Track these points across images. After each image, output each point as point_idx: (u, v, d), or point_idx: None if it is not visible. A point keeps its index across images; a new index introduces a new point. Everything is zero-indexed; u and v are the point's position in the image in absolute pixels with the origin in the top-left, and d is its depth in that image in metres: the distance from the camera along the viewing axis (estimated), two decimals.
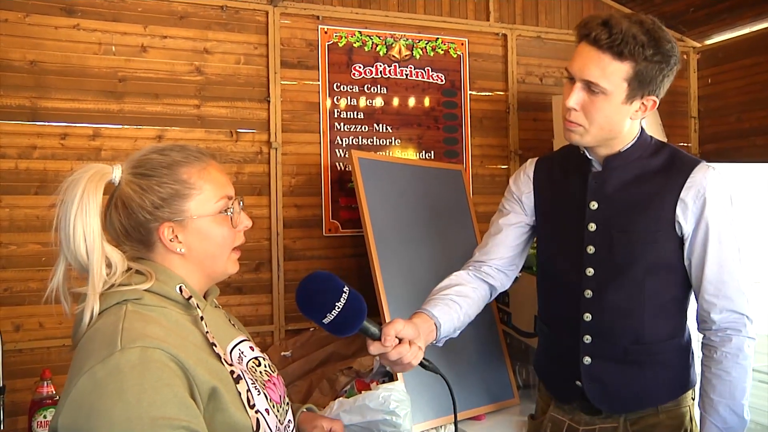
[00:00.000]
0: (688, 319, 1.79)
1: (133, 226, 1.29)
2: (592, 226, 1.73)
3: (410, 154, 3.39)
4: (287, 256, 3.13)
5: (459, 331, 1.74)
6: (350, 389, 2.66)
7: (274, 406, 1.30)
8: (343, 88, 3.26)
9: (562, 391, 1.85)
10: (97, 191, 1.24)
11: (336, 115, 3.25)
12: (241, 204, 1.38)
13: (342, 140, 3.26)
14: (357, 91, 3.29)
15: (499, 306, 3.08)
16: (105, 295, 1.23)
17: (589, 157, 1.75)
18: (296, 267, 3.14)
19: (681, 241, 1.68)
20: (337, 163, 3.24)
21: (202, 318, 1.27)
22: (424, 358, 1.48)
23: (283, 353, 3.01)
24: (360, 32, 3.30)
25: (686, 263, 1.69)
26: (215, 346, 1.25)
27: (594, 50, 1.59)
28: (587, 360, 1.74)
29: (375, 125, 3.32)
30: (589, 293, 1.73)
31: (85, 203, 1.23)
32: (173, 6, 2.96)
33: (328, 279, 1.38)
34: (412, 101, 3.41)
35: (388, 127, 3.35)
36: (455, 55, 3.50)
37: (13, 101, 2.73)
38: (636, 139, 1.71)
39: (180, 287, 1.28)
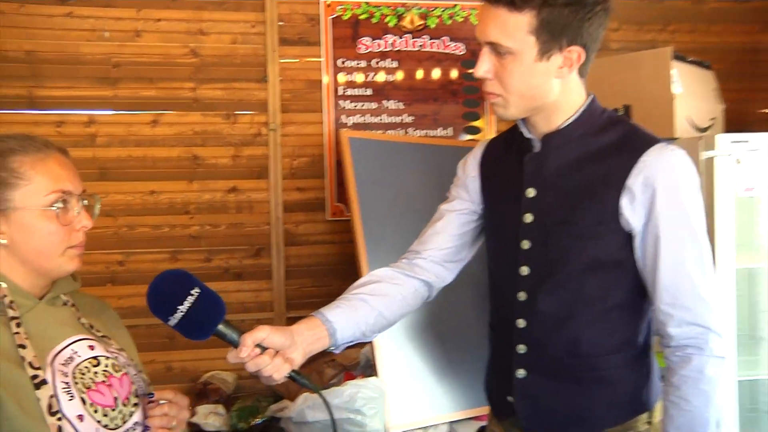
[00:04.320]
0: (646, 329, 1.52)
1: None
2: (528, 217, 1.48)
3: (425, 131, 3.18)
4: (289, 241, 3.04)
5: (375, 334, 1.56)
6: (337, 382, 2.55)
7: (98, 411, 1.23)
8: (349, 63, 3.10)
9: (496, 407, 1.63)
10: None
11: (341, 93, 3.09)
12: (84, 202, 1.31)
13: (348, 119, 3.10)
14: (364, 66, 3.12)
15: None
16: None
17: (528, 135, 1.50)
18: (299, 252, 3.05)
19: (629, 236, 1.41)
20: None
21: (13, 318, 1.22)
22: (293, 371, 1.34)
23: None
24: (367, 3, 3.11)
25: (639, 265, 1.42)
26: (23, 347, 1.19)
27: (489, 7, 1.36)
28: (521, 373, 1.51)
29: (384, 102, 3.14)
30: (522, 296, 1.49)
31: None
32: None
33: (176, 278, 1.28)
34: (426, 74, 3.19)
35: (399, 103, 3.16)
36: (476, 23, 3.23)
37: (11, 91, 2.80)
38: (580, 112, 1.44)
39: None
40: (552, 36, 1.35)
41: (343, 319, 1.47)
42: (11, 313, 1.22)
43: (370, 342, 2.33)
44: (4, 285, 1.24)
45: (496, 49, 1.38)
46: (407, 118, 3.17)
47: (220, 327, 1.27)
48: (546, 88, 1.40)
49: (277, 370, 1.30)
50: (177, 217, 2.94)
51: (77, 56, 2.84)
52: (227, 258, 2.99)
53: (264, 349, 1.30)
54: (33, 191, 1.24)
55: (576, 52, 1.38)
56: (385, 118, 3.15)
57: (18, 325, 1.21)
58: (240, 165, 2.99)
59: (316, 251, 3.05)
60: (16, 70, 2.80)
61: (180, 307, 1.24)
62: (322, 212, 3.07)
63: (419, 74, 3.18)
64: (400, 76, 3.16)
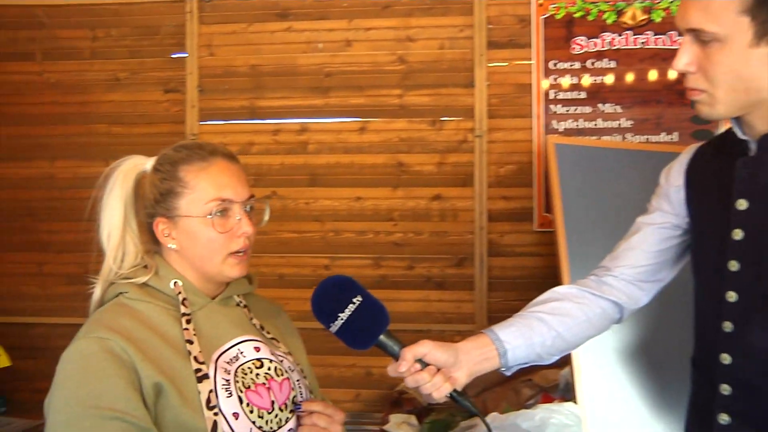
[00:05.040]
0: None
1: (145, 219, 1.34)
2: (738, 234, 1.23)
3: (645, 137, 2.88)
4: (493, 252, 2.91)
5: (553, 357, 1.39)
6: (534, 403, 2.36)
7: (253, 411, 1.23)
8: (561, 65, 2.91)
9: None
10: (125, 182, 1.33)
11: (552, 97, 2.91)
12: (247, 208, 1.32)
13: (559, 124, 2.91)
14: (578, 67, 2.91)
15: None
16: (110, 286, 1.31)
17: (742, 137, 1.25)
18: (503, 264, 2.90)
19: None
20: None
21: (184, 315, 1.27)
22: (455, 391, 1.23)
23: None
24: (582, 0, 2.90)
25: None
26: (191, 343, 1.23)
27: None
28: (724, 419, 1.25)
29: (599, 105, 2.90)
30: (728, 326, 1.24)
31: (114, 194, 1.32)
32: None
33: (341, 285, 1.26)
34: (648, 74, 2.89)
35: (616, 106, 2.90)
36: None
37: (236, 103, 3.01)
38: None
39: (175, 282, 1.30)
40: None
41: (515, 339, 1.33)
42: (183, 309, 1.27)
43: (570, 364, 2.12)
44: (180, 283, 1.30)
45: (699, 37, 1.16)
46: (625, 123, 2.90)
47: (382, 338, 1.23)
48: (763, 80, 1.15)
49: (436, 389, 1.21)
50: (381, 224, 2.96)
51: (293, 68, 2.99)
52: (429, 267, 2.94)
53: (425, 365, 1.22)
54: (195, 199, 1.27)
55: None
56: (600, 123, 2.90)
57: (188, 321, 1.26)
58: (445, 172, 2.93)
59: (521, 263, 2.89)
60: (242, 84, 3.01)
61: (341, 314, 1.21)
62: (529, 222, 2.90)
63: (640, 74, 2.89)
64: (618, 76, 2.90)
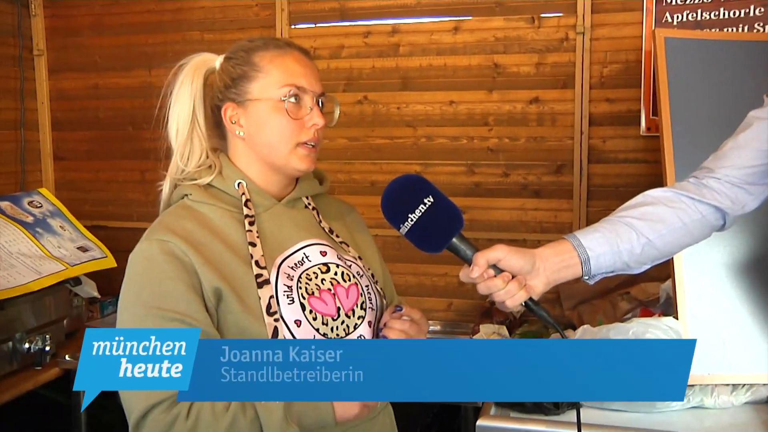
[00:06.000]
0: None
1: (212, 109, 1.33)
2: None
3: None
4: (593, 158, 2.73)
5: (643, 266, 1.29)
6: (631, 317, 2.25)
7: (317, 318, 1.21)
8: None
9: None
10: (194, 79, 1.32)
11: None
12: (320, 102, 1.29)
13: (674, 17, 2.63)
14: None
15: None
16: (176, 188, 1.32)
17: None
18: (605, 171, 2.73)
19: None
20: None
21: (247, 216, 1.26)
22: (530, 300, 1.17)
23: None
24: None
25: None
26: (253, 245, 1.22)
27: None
28: None
29: None
30: None
31: (183, 88, 1.32)
32: None
33: (411, 184, 1.22)
34: None
35: None
36: None
37: (326, 5, 2.92)
38: None
39: (239, 183, 1.29)
40: None
41: (600, 246, 1.25)
42: (246, 211, 1.26)
43: (672, 277, 1.98)
44: (244, 183, 1.28)
45: None
46: (756, 11, 2.57)
47: (454, 241, 1.19)
48: None
49: (510, 297, 1.17)
50: (475, 129, 2.83)
51: None
52: (525, 174, 2.81)
53: (499, 271, 1.17)
54: (268, 83, 1.26)
55: None
56: (724, 13, 2.60)
57: (251, 223, 1.24)
58: (543, 73, 2.74)
59: (624, 170, 2.70)
60: None
61: (411, 215, 1.18)
62: (636, 127, 2.69)
63: None
64: None
